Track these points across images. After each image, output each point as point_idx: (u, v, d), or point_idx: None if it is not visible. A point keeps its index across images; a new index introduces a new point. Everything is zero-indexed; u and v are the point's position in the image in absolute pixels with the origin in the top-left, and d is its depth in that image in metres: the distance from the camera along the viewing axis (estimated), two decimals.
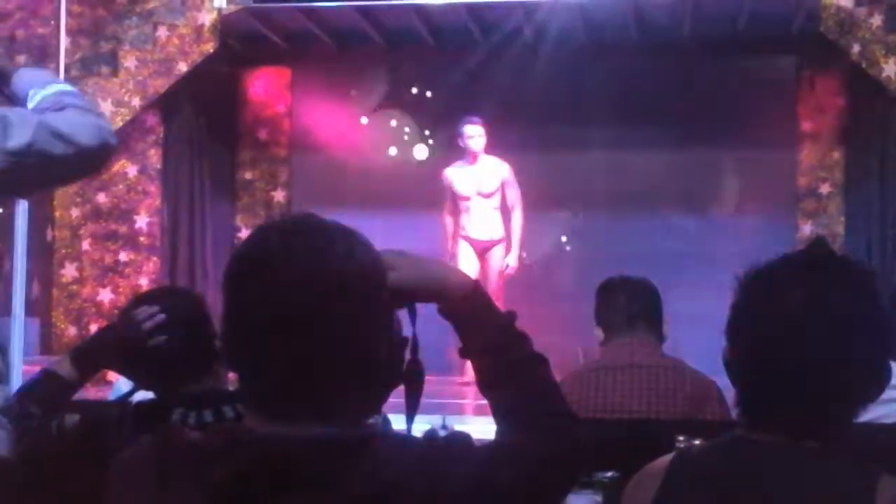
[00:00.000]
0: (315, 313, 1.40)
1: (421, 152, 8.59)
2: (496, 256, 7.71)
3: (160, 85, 7.72)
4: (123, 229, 7.83)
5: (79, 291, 7.73)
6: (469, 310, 1.55)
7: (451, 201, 7.71)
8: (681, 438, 2.27)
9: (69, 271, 7.72)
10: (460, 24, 7.78)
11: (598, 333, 3.28)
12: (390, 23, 7.90)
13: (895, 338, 1.59)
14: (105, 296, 7.75)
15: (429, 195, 7.73)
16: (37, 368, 5.95)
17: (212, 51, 7.73)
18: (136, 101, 7.70)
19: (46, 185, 2.26)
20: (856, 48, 7.13)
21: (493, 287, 7.36)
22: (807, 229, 8.02)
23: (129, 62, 7.75)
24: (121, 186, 7.84)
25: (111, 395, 3.94)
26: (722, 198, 8.09)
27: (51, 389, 2.37)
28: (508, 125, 8.20)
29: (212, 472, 1.41)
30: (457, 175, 7.68)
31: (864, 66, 7.13)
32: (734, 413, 1.62)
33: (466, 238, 7.71)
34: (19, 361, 6.21)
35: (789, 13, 7.45)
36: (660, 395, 3.07)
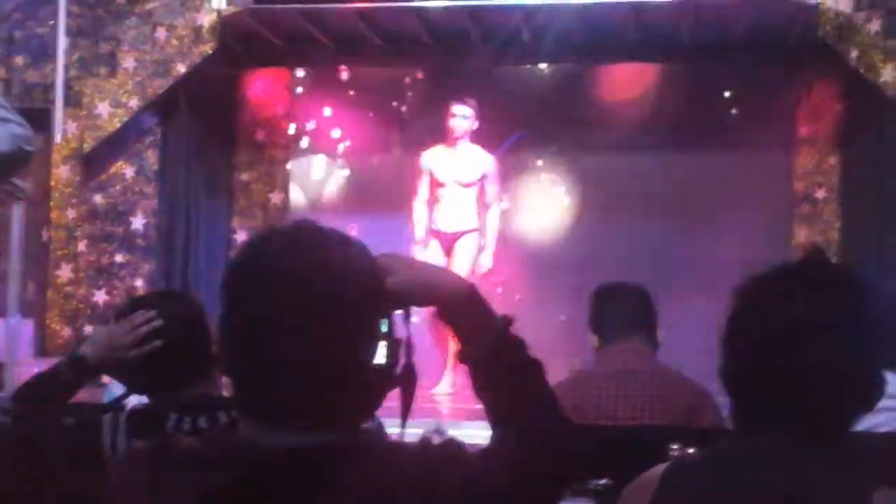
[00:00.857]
0: (311, 321, 1.40)
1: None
2: (467, 247, 7.14)
3: (158, 86, 7.71)
4: (120, 231, 7.82)
5: (74, 292, 7.72)
6: (465, 314, 1.56)
7: (430, 189, 7.24)
8: (674, 447, 2.27)
9: (65, 272, 7.71)
10: (460, 27, 7.77)
11: (593, 340, 3.28)
12: (390, 25, 7.89)
13: (890, 347, 1.59)
14: (100, 297, 7.74)
15: None
16: (31, 369, 5.96)
17: (211, 52, 7.73)
18: (135, 102, 7.69)
19: None
20: (854, 53, 7.14)
21: (461, 264, 6.99)
22: (802, 234, 8.03)
23: (127, 63, 7.74)
24: (118, 187, 7.84)
25: (104, 398, 3.94)
26: (717, 202, 8.09)
27: (46, 393, 2.37)
28: (506, 127, 8.21)
29: (206, 480, 1.42)
30: (434, 158, 7.20)
31: (861, 71, 7.14)
32: (728, 422, 1.63)
33: (435, 232, 7.20)
34: (14, 362, 6.22)
35: (787, 18, 7.45)
36: (654, 403, 3.07)
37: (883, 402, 1.59)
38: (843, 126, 7.91)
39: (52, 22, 7.79)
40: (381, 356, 1.49)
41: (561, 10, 7.46)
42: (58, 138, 7.62)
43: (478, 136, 7.34)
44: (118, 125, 7.67)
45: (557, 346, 7.15)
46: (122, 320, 2.38)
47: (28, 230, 6.72)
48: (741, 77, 8.16)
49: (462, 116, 7.03)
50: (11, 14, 7.96)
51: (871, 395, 1.55)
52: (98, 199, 7.81)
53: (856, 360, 1.52)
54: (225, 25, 7.70)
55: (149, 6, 7.85)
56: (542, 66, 8.40)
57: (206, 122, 8.29)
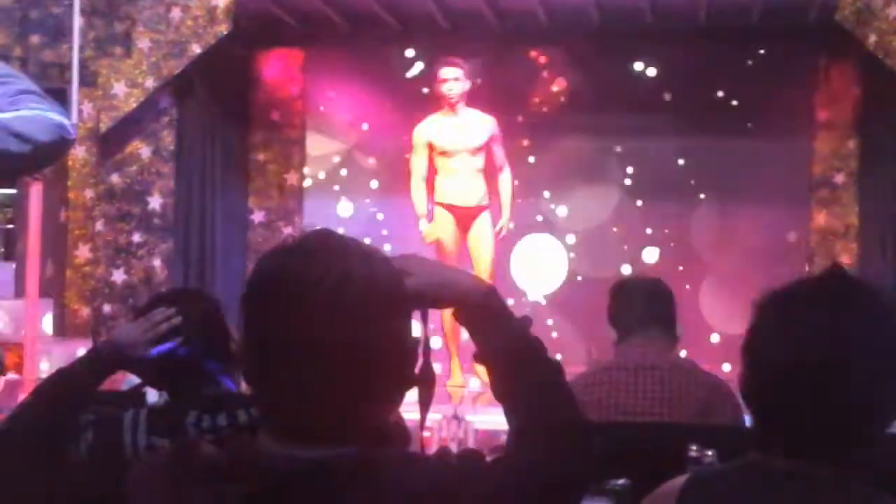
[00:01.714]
0: (334, 334, 1.40)
1: None
2: (482, 227, 6.73)
3: (174, 66, 7.70)
4: (137, 210, 7.83)
5: (92, 272, 7.74)
6: (484, 315, 1.56)
7: (429, 165, 6.81)
8: (693, 448, 2.27)
9: (83, 252, 7.73)
10: (475, 8, 7.74)
11: (612, 333, 3.28)
12: (404, 5, 7.87)
13: None
14: (118, 276, 7.77)
15: None
16: (50, 349, 5.99)
17: (225, 32, 7.71)
18: (150, 83, 7.69)
19: (6, 177, 2.42)
20: (872, 38, 7.09)
21: (482, 263, 6.63)
22: (821, 218, 8.01)
23: (142, 43, 7.73)
24: (134, 167, 7.84)
25: (125, 386, 3.96)
26: (736, 186, 8.07)
27: (66, 389, 2.38)
28: (521, 111, 8.19)
29: (226, 491, 1.42)
30: (435, 128, 6.73)
31: (880, 56, 7.09)
32: (746, 417, 1.63)
33: (445, 205, 6.74)
34: (33, 342, 6.25)
35: (806, 2, 7.40)
36: (672, 397, 3.07)
37: None
38: (862, 110, 7.88)
39: (67, 1, 7.77)
40: (402, 361, 1.50)
41: None
42: (74, 118, 7.62)
43: (475, 99, 6.96)
44: (134, 105, 7.67)
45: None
46: (143, 317, 2.39)
47: (46, 210, 6.73)
48: (759, 61, 8.12)
49: (453, 79, 6.60)
50: None
51: (893, 410, 1.54)
52: (115, 178, 7.82)
53: (878, 376, 1.51)
54: (239, 6, 7.68)
55: None
56: (558, 48, 8.36)
57: (221, 102, 8.29)
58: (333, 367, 1.41)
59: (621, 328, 3.24)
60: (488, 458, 1.53)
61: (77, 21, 7.60)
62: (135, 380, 3.73)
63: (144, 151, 7.87)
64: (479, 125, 6.70)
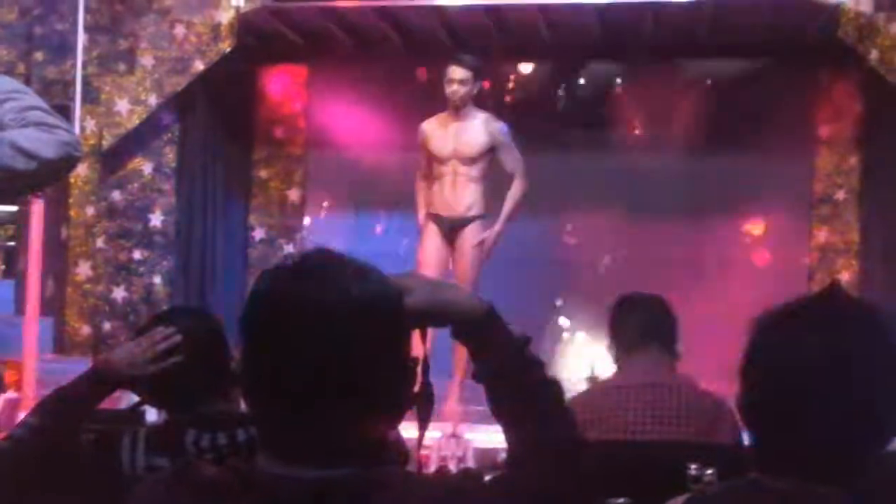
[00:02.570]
0: (333, 354, 1.40)
1: None
2: (466, 240, 6.17)
3: (177, 83, 7.73)
4: (138, 227, 7.85)
5: (93, 289, 7.75)
6: (482, 333, 1.56)
7: (428, 165, 6.38)
8: (693, 467, 2.26)
9: (83, 269, 7.74)
10: (478, 25, 7.77)
11: (612, 351, 3.28)
12: (408, 22, 7.90)
13: None
14: (119, 294, 7.77)
15: None
16: (50, 367, 5.97)
17: (228, 49, 7.73)
18: (153, 99, 7.71)
19: (12, 194, 2.40)
20: (874, 54, 7.10)
21: (462, 279, 5.99)
22: (822, 236, 8.01)
23: (146, 60, 7.76)
24: (136, 184, 7.86)
25: (123, 404, 3.95)
26: (737, 203, 8.07)
27: (66, 406, 2.38)
28: (523, 125, 8.20)
29: None
30: (433, 130, 6.27)
31: (882, 72, 7.10)
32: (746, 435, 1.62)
33: (434, 216, 6.28)
34: (33, 360, 6.24)
35: (808, 18, 7.42)
36: (672, 415, 3.06)
37: None
38: (864, 127, 7.90)
39: (71, 18, 7.80)
40: (401, 381, 1.50)
41: (579, 8, 7.44)
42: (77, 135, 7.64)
43: (484, 102, 6.60)
44: (137, 122, 7.70)
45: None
46: (143, 336, 2.39)
47: (47, 228, 6.74)
48: (761, 77, 8.13)
49: (459, 81, 6.06)
50: (31, 10, 7.99)
51: (891, 431, 1.54)
52: (116, 195, 7.83)
53: (878, 396, 1.51)
54: (243, 23, 7.71)
55: (167, 3, 7.86)
56: (560, 64, 8.38)
57: (224, 119, 8.31)
58: (332, 387, 1.41)
59: (622, 346, 3.24)
60: (487, 477, 1.53)
61: (81, 38, 7.64)
62: (134, 398, 3.74)
63: (146, 168, 7.89)
64: (480, 133, 6.18)
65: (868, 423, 1.51)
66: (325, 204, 8.69)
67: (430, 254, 6.24)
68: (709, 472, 2.22)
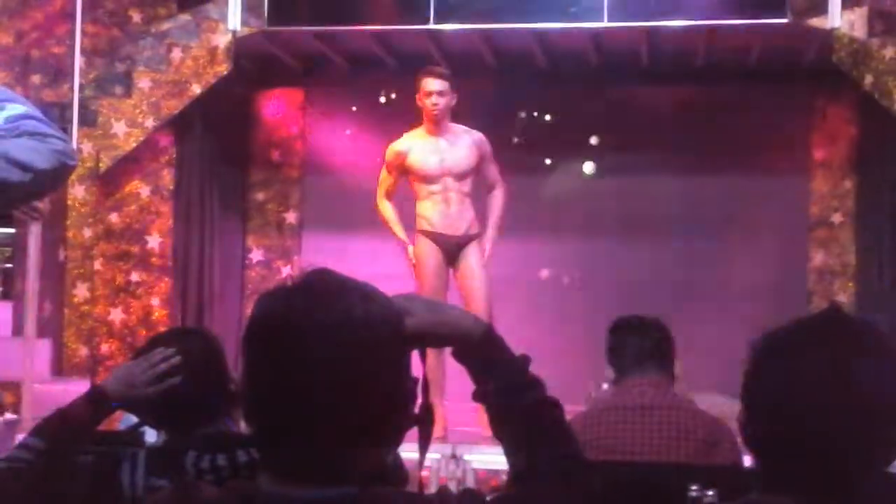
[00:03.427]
0: (334, 376, 1.40)
1: None
2: (472, 259, 6.02)
3: (174, 106, 7.74)
4: (135, 249, 7.85)
5: (90, 311, 7.74)
6: (482, 354, 1.56)
7: (395, 186, 6.18)
8: (693, 488, 2.26)
9: (81, 291, 7.74)
10: (473, 50, 7.80)
11: (610, 373, 3.28)
12: (403, 47, 7.93)
13: None
14: (117, 316, 7.77)
15: None
16: (48, 389, 5.97)
17: (225, 72, 7.75)
18: (150, 122, 7.72)
19: (4, 206, 2.37)
20: (868, 79, 7.14)
21: (476, 300, 5.91)
22: (818, 258, 8.03)
23: (143, 83, 7.77)
24: (133, 207, 7.86)
25: (121, 425, 3.95)
26: (733, 226, 8.09)
27: (65, 428, 2.38)
28: (519, 149, 8.22)
29: None
30: (416, 148, 6.01)
31: (876, 96, 7.14)
32: (746, 456, 1.63)
33: (429, 233, 6.06)
34: (31, 382, 6.24)
35: (802, 43, 7.46)
36: (671, 437, 3.07)
37: None
38: (859, 150, 7.94)
39: (68, 41, 7.83)
40: (402, 401, 1.50)
41: (574, 33, 7.47)
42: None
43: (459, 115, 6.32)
44: (134, 145, 7.71)
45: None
46: (142, 357, 2.39)
47: (45, 250, 6.74)
48: (756, 102, 8.17)
49: (437, 93, 5.84)
50: (28, 34, 8.01)
51: (891, 450, 1.54)
52: (114, 218, 7.84)
53: (879, 415, 1.51)
54: (240, 46, 7.73)
55: (164, 27, 7.89)
56: (556, 88, 8.40)
57: (220, 141, 8.33)
58: (333, 408, 1.41)
59: (619, 367, 3.25)
60: (488, 498, 1.53)
61: (78, 61, 7.66)
62: (132, 419, 3.73)
63: (143, 191, 7.89)
64: (467, 146, 6.01)
65: (869, 443, 1.51)
66: (322, 226, 8.69)
67: (431, 274, 6.05)
68: (709, 493, 2.22)
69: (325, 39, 7.82)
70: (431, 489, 1.64)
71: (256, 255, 8.64)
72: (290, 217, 8.67)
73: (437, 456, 4.77)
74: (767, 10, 7.08)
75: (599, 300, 8.00)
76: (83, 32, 7.77)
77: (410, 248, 6.22)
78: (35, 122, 2.15)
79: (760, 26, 7.21)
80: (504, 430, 1.56)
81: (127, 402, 2.44)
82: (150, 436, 2.87)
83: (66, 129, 7.66)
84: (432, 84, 5.87)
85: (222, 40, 7.71)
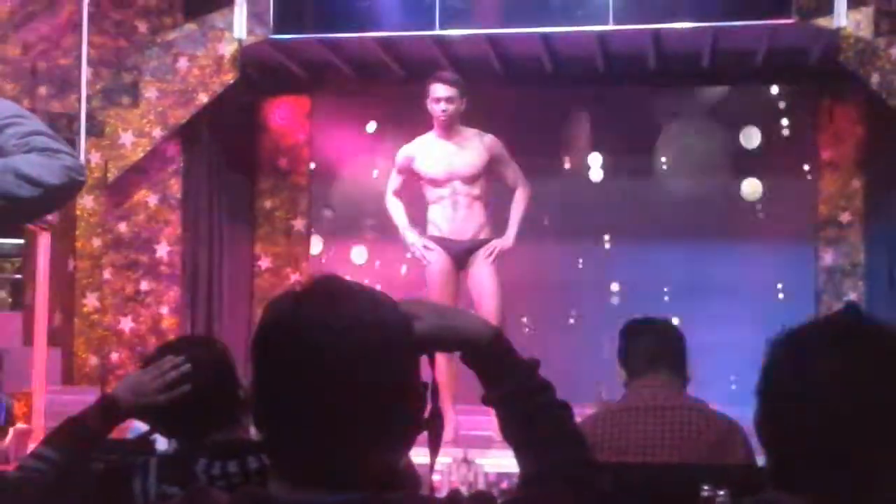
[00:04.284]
0: (343, 381, 1.40)
1: None
2: (483, 265, 5.97)
3: (181, 115, 7.76)
4: (144, 258, 7.87)
5: (100, 321, 7.77)
6: (491, 358, 1.56)
7: (404, 187, 6.20)
8: (705, 488, 2.25)
9: (90, 301, 7.76)
10: (480, 55, 7.80)
11: (622, 374, 3.28)
12: (410, 53, 7.94)
13: None
14: (126, 325, 7.78)
15: None
16: (59, 398, 5.98)
17: (232, 81, 7.77)
18: (157, 132, 7.75)
19: (15, 221, 2.38)
20: (875, 78, 7.13)
21: (487, 306, 5.89)
22: (828, 258, 8.02)
23: (149, 93, 7.80)
24: (142, 216, 7.89)
25: (130, 433, 3.95)
26: (741, 226, 8.08)
27: (76, 438, 2.38)
28: (526, 154, 8.21)
29: None
30: (425, 152, 6.02)
31: (883, 95, 7.13)
32: (758, 456, 1.62)
33: (438, 239, 6.04)
34: (42, 392, 6.24)
35: (809, 43, 7.46)
36: (683, 438, 3.06)
37: None
38: (866, 150, 7.93)
39: (75, 53, 7.85)
40: (411, 406, 1.50)
41: (581, 36, 7.47)
42: None
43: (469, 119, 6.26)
44: (141, 154, 7.73)
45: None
46: (151, 366, 2.39)
47: (54, 260, 6.74)
48: (763, 102, 8.17)
49: (446, 99, 5.85)
50: (35, 45, 8.03)
51: None
52: (122, 227, 7.86)
53: (892, 418, 1.50)
54: (246, 55, 7.75)
55: (170, 37, 7.91)
56: (563, 91, 8.41)
57: (228, 150, 8.35)
58: (343, 413, 1.41)
59: (631, 369, 3.24)
60: (499, 501, 1.53)
61: (85, 72, 7.68)
62: (140, 427, 3.74)
63: (152, 200, 7.91)
64: (475, 149, 5.97)
65: (885, 444, 1.51)
66: (331, 232, 8.70)
67: (440, 280, 6.00)
68: (721, 493, 2.22)
69: (331, 47, 7.83)
70: (443, 493, 1.64)
71: (265, 263, 8.65)
72: (298, 224, 8.68)
73: (449, 459, 4.77)
74: (773, 10, 7.08)
75: (608, 303, 8.00)
76: (90, 43, 7.79)
77: (411, 235, 6.15)
78: (45, 139, 2.16)
79: (766, 27, 7.21)
80: (514, 433, 1.56)
81: (137, 411, 2.44)
82: (161, 444, 2.88)
83: (73, 140, 7.68)
84: (441, 90, 5.87)
85: (228, 49, 7.73)
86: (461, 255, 6.03)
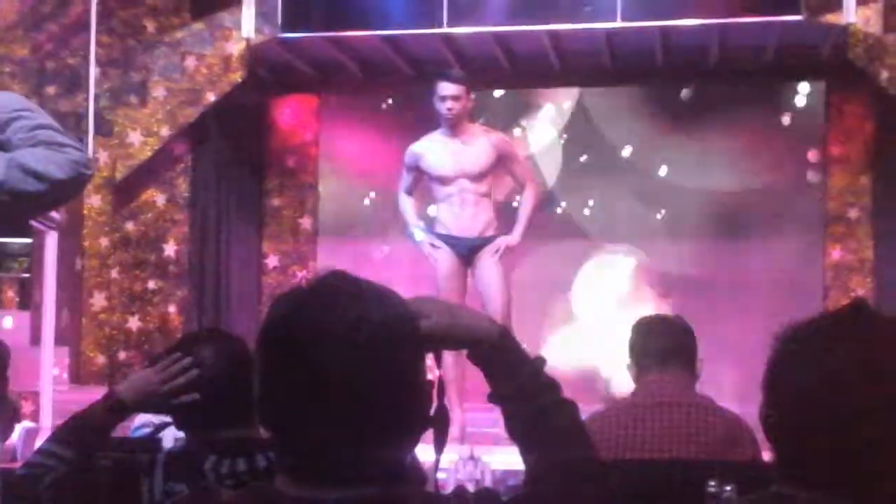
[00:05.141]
0: (350, 378, 1.40)
1: None
2: (490, 262, 5.96)
3: (189, 114, 7.78)
4: (152, 257, 7.89)
5: (108, 320, 7.78)
6: (497, 356, 1.56)
7: (415, 185, 6.21)
8: (712, 483, 2.25)
9: (98, 300, 7.77)
10: (487, 52, 7.80)
11: (631, 371, 3.27)
12: (417, 51, 7.94)
13: None
14: (134, 324, 7.80)
15: None
16: (66, 397, 5.99)
17: (240, 80, 7.79)
18: (165, 131, 7.76)
19: (21, 217, 2.36)
20: (884, 74, 7.12)
21: (494, 303, 5.90)
22: (836, 254, 8.00)
23: (157, 92, 7.82)
24: (149, 215, 7.90)
25: (133, 425, 3.96)
26: (749, 222, 8.07)
27: (82, 434, 2.38)
28: (534, 151, 8.22)
29: None
30: (432, 150, 6.02)
31: (892, 91, 7.12)
32: (766, 454, 1.61)
33: (446, 237, 6.04)
34: (49, 390, 6.26)
35: (817, 40, 7.44)
36: (691, 434, 3.05)
37: None
38: (875, 146, 7.91)
39: (82, 52, 7.86)
40: (418, 403, 1.50)
41: (588, 34, 7.46)
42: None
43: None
44: (149, 153, 7.75)
45: None
46: (160, 364, 2.39)
47: (61, 259, 6.76)
48: (772, 98, 8.16)
49: (452, 98, 5.82)
50: (43, 46, 8.05)
51: None
52: (130, 226, 7.88)
53: None
54: (254, 54, 7.76)
55: (178, 36, 7.92)
56: (570, 89, 8.41)
57: (235, 148, 8.36)
58: (349, 410, 1.40)
59: (641, 364, 3.23)
60: (504, 499, 1.53)
61: (93, 71, 7.70)
62: (144, 423, 3.74)
63: (159, 199, 7.93)
64: (483, 147, 5.95)
65: (891, 436, 1.50)
66: (338, 230, 8.70)
67: (447, 277, 6.00)
68: (727, 488, 2.21)
69: (339, 45, 7.84)
70: (448, 490, 1.64)
71: (272, 261, 8.65)
72: (306, 223, 8.68)
73: (455, 457, 4.77)
74: (782, 6, 7.07)
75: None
76: (98, 43, 7.81)
77: (417, 231, 6.16)
78: (51, 132, 2.15)
79: (775, 23, 7.20)
80: (520, 431, 1.56)
81: (143, 407, 2.45)
82: (168, 441, 2.88)
83: (81, 139, 7.70)
84: (448, 88, 5.84)
85: (236, 48, 7.75)
86: (468, 253, 6.02)
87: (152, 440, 3.06)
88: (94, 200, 7.72)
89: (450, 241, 6.02)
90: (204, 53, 7.78)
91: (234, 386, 2.34)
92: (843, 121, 8.03)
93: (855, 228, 7.99)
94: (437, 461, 1.58)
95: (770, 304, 7.41)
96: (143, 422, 3.84)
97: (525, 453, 1.55)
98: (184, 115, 7.77)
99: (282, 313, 1.46)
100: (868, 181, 7.98)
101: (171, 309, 7.89)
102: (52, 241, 6.47)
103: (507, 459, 4.86)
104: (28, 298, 7.55)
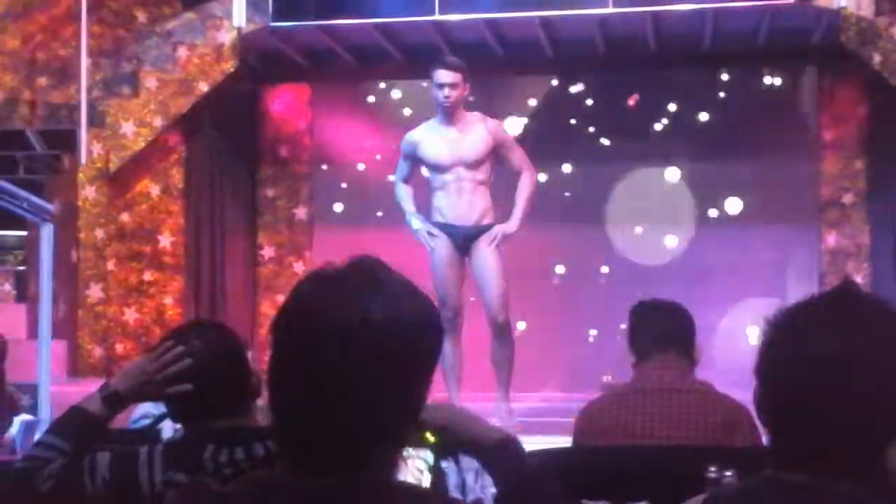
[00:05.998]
0: (362, 371, 1.39)
1: None
2: (486, 251, 5.91)
3: (181, 104, 7.76)
4: (147, 249, 7.87)
5: (104, 312, 7.77)
6: (494, 461, 1.68)
7: (411, 173, 6.17)
8: (712, 469, 2.25)
9: (94, 292, 7.76)
10: (479, 39, 7.79)
11: (630, 356, 3.27)
12: (409, 39, 7.92)
13: None
14: (130, 315, 7.79)
15: None
16: (64, 389, 5.98)
17: (232, 70, 7.77)
18: (158, 121, 7.74)
19: None
20: (876, 58, 7.12)
21: (490, 293, 5.83)
22: (831, 239, 8.01)
23: (150, 82, 7.79)
24: (144, 206, 7.89)
25: (133, 416, 3.96)
26: (744, 208, 8.08)
27: (80, 426, 2.38)
28: (527, 139, 8.21)
29: None
30: (428, 138, 5.96)
31: (885, 75, 7.12)
32: (764, 438, 1.62)
33: (443, 225, 5.99)
34: (47, 383, 6.25)
35: (810, 24, 7.44)
36: (689, 420, 3.05)
37: None
38: (868, 129, 7.91)
39: (74, 43, 7.84)
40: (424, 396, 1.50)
41: (580, 20, 7.46)
42: (83, 159, 7.68)
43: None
44: (143, 144, 7.73)
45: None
46: (154, 352, 2.39)
47: (57, 251, 6.74)
48: (765, 83, 8.16)
49: (450, 85, 5.77)
50: (34, 36, 8.02)
51: None
52: (125, 218, 7.86)
53: (888, 394, 1.50)
54: (246, 43, 7.74)
55: (170, 26, 7.90)
56: (562, 76, 8.40)
57: (229, 139, 8.34)
58: (356, 400, 1.40)
59: (639, 351, 3.23)
60: None
61: (84, 62, 7.67)
62: (144, 414, 3.74)
63: (154, 190, 7.92)
64: (479, 135, 5.89)
65: (883, 418, 1.50)
66: (333, 220, 8.70)
67: (444, 265, 5.94)
68: (727, 473, 2.21)
69: (331, 34, 7.82)
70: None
71: (268, 252, 8.65)
72: (301, 212, 8.67)
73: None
74: None
75: (612, 286, 8.01)
76: (89, 33, 7.78)
77: (414, 220, 6.10)
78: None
79: (767, 7, 7.19)
80: None
81: (139, 397, 2.45)
82: (167, 432, 2.88)
83: (74, 131, 7.69)
84: (444, 76, 5.79)
85: (228, 37, 7.73)
86: (465, 241, 5.96)
87: (151, 431, 3.07)
88: (88, 192, 7.70)
89: (447, 229, 5.97)
90: (195, 43, 7.76)
91: (226, 376, 2.35)
92: (836, 105, 8.03)
93: (850, 213, 8.00)
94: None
95: (765, 290, 7.42)
96: (142, 413, 3.85)
97: None
98: (176, 105, 7.75)
99: (300, 298, 1.44)
100: (862, 165, 7.99)
101: (168, 300, 7.88)
102: (47, 233, 6.44)
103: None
104: (24, 291, 7.54)
